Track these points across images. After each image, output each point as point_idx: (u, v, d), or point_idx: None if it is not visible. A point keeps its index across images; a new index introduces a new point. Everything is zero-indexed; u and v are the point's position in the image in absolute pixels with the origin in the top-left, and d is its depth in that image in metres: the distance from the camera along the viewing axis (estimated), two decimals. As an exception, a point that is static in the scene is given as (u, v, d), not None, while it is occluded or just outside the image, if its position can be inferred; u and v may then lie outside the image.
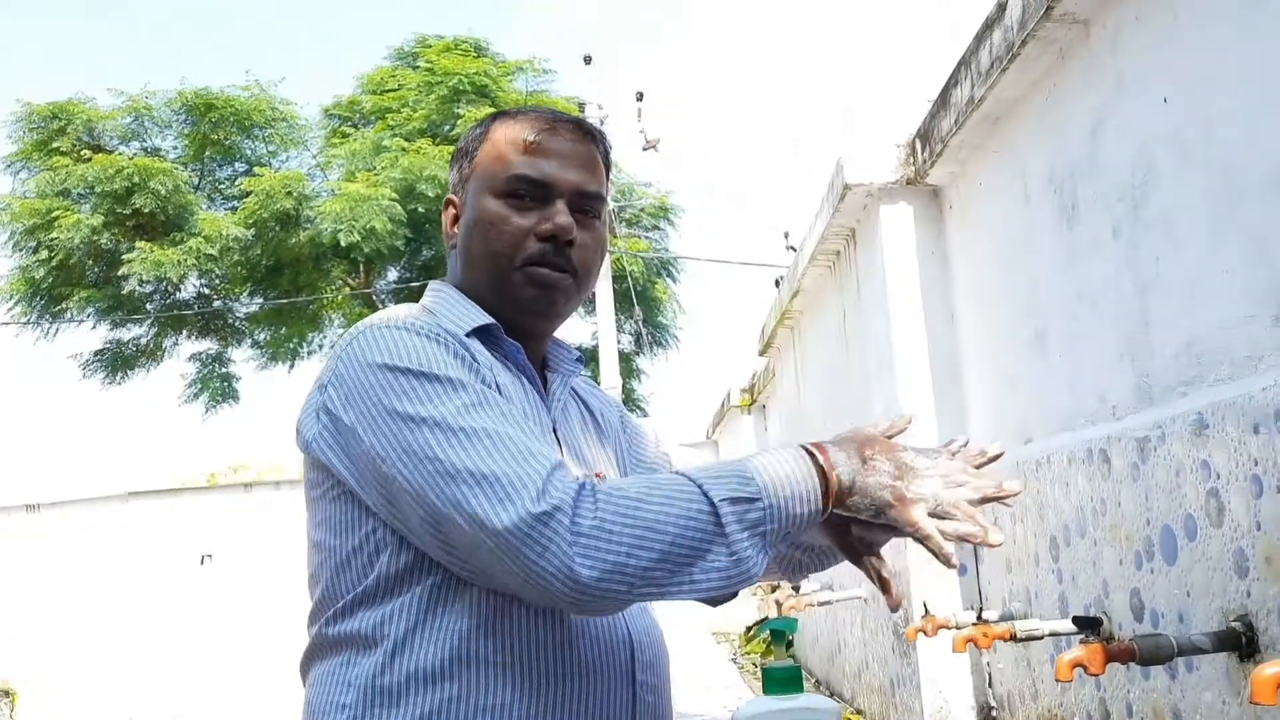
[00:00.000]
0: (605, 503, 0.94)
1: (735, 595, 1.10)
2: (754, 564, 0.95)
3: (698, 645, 6.91)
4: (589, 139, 1.23)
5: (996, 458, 1.05)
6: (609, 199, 1.33)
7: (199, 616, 11.38)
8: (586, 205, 1.20)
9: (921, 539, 0.96)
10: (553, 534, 0.91)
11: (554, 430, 1.20)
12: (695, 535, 0.94)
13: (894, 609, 1.01)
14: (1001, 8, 2.61)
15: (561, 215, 1.16)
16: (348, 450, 1.04)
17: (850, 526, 1.05)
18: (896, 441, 1.02)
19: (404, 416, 1.00)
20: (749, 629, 8.21)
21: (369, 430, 1.02)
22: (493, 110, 1.32)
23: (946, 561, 0.96)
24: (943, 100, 3.13)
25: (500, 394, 1.08)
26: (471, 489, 0.94)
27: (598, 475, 1.24)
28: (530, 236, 1.16)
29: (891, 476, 0.98)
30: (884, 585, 1.02)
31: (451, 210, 1.24)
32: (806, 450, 0.99)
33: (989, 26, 2.71)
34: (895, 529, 0.99)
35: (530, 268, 1.16)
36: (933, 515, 0.96)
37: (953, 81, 3.04)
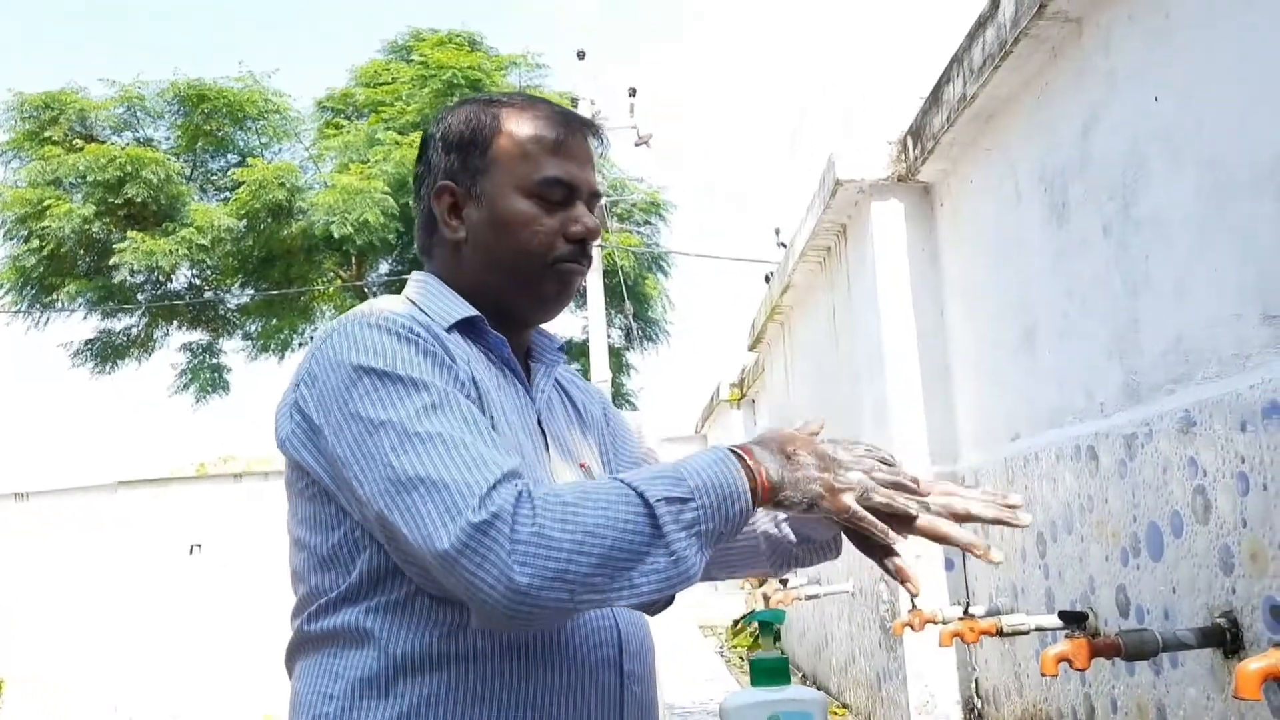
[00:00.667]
0: (543, 510, 0.94)
1: (671, 603, 1.11)
2: (693, 564, 0.96)
3: (684, 638, 6.93)
4: (595, 138, 1.27)
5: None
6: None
7: (188, 606, 11.36)
8: (594, 203, 1.24)
9: (856, 524, 1.00)
10: (491, 543, 0.92)
11: (539, 422, 1.21)
12: (634, 537, 0.94)
13: (914, 594, 1.03)
14: (995, 5, 2.62)
15: (589, 218, 1.20)
16: (320, 450, 1.06)
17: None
18: (814, 438, 1.04)
19: (364, 419, 1.01)
20: (735, 622, 8.23)
21: (334, 432, 1.03)
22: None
23: (889, 543, 1.00)
24: (935, 97, 3.14)
25: (478, 390, 1.08)
26: (420, 498, 0.95)
27: (582, 466, 1.24)
28: (559, 236, 1.18)
29: (818, 469, 1.00)
30: (900, 575, 1.04)
31: (448, 198, 1.23)
32: (732, 451, 1.01)
33: (982, 24, 2.72)
34: (831, 520, 1.02)
35: (560, 265, 1.19)
36: (862, 502, 0.99)
37: (945, 79, 3.04)
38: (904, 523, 1.01)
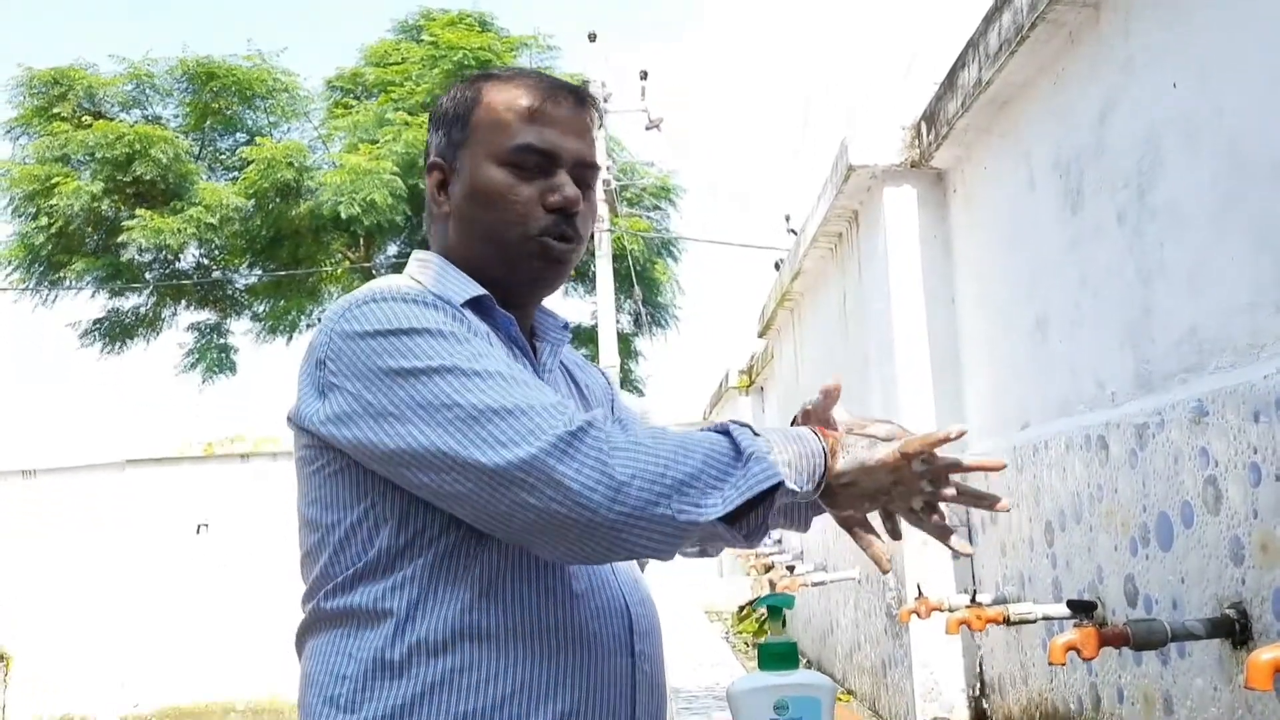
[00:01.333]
0: (631, 430, 0.98)
1: (749, 540, 1.13)
2: (772, 472, 0.97)
3: (690, 623, 6.95)
4: (587, 107, 1.21)
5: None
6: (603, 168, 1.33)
7: (194, 585, 11.42)
8: (585, 175, 1.19)
9: (916, 524, 1.07)
10: (589, 446, 0.93)
11: None
12: (720, 453, 0.97)
13: (885, 572, 1.07)
14: (1012, -11, 2.59)
15: (569, 187, 1.16)
16: (356, 421, 1.01)
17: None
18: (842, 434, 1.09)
19: (413, 372, 0.99)
20: (741, 608, 8.24)
21: (379, 393, 1.00)
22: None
23: (954, 545, 1.09)
24: (949, 83, 3.12)
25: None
26: (498, 425, 0.95)
27: None
28: (538, 206, 1.15)
29: (888, 468, 1.04)
30: (877, 559, 1.08)
31: (438, 175, 1.21)
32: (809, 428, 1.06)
33: (998, 8, 2.69)
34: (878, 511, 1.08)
35: (542, 238, 1.15)
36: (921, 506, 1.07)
37: (960, 64, 3.02)
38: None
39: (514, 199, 1.14)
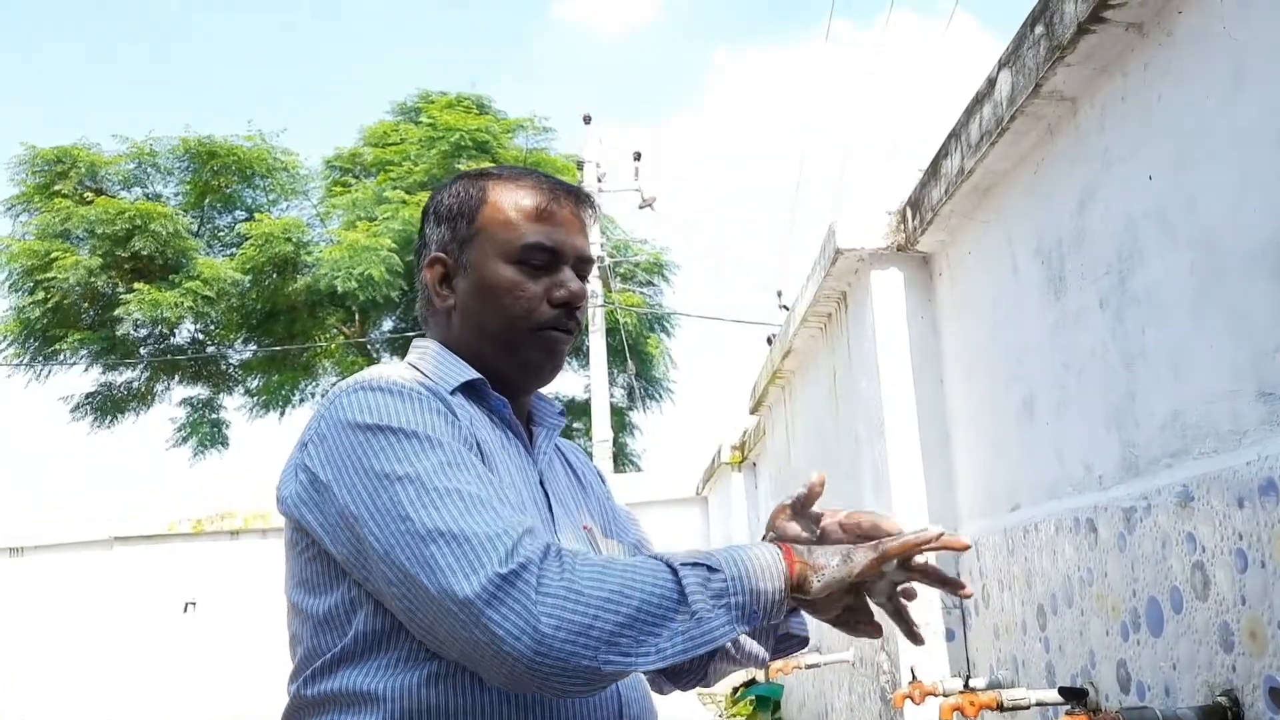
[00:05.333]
0: (571, 566, 0.95)
1: (705, 679, 1.13)
2: (718, 626, 0.97)
3: (683, 706, 6.83)
4: (583, 205, 1.27)
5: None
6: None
7: (181, 665, 11.22)
8: (584, 270, 1.25)
9: (864, 621, 1.09)
10: (519, 594, 0.92)
11: (540, 483, 1.22)
12: (661, 600, 0.96)
13: (877, 636, 1.11)
14: (991, 83, 2.67)
15: (574, 282, 1.22)
16: (322, 508, 1.05)
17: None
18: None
19: (380, 474, 1.01)
20: (735, 690, 8.11)
21: (344, 488, 1.03)
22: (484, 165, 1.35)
23: (913, 632, 1.10)
24: (933, 170, 3.19)
25: (481, 452, 1.10)
26: (441, 550, 0.95)
27: (585, 528, 1.25)
28: (544, 302, 1.20)
29: (843, 557, 1.04)
30: (868, 634, 1.11)
31: (440, 269, 1.26)
32: (766, 541, 1.08)
33: (979, 101, 2.78)
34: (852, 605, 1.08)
35: (544, 331, 1.20)
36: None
37: (943, 153, 3.10)
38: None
39: (521, 294, 1.20)
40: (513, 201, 1.22)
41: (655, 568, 0.98)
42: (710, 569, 0.98)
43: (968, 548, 1.06)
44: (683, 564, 0.98)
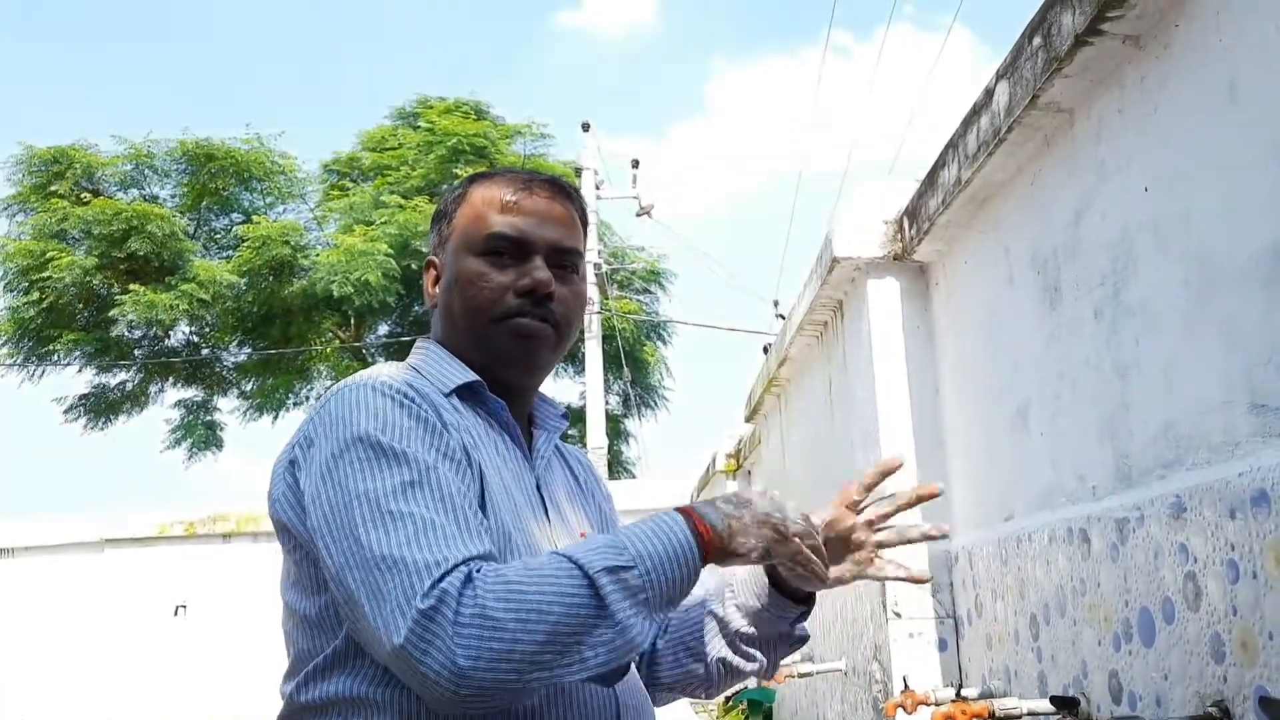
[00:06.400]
0: (484, 590, 0.93)
1: (625, 674, 1.14)
2: (639, 633, 0.97)
3: (675, 713, 6.82)
4: (564, 197, 1.26)
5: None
6: (587, 254, 1.37)
7: (172, 668, 11.17)
8: (564, 260, 1.23)
9: (804, 564, 1.09)
10: (438, 629, 0.91)
11: (538, 487, 1.22)
12: (578, 612, 0.94)
13: (923, 580, 1.25)
14: (989, 94, 2.69)
15: (539, 270, 1.20)
16: (300, 514, 1.07)
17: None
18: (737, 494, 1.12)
19: (342, 489, 1.02)
20: (727, 699, 8.09)
21: (312, 499, 1.04)
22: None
23: (823, 581, 1.13)
24: (930, 180, 3.21)
25: (469, 458, 1.09)
26: (383, 578, 0.95)
27: (582, 536, 1.25)
28: (509, 292, 1.19)
29: (758, 522, 1.06)
30: (910, 577, 1.22)
31: (433, 272, 1.27)
32: (678, 510, 1.05)
33: (976, 112, 2.79)
34: (782, 564, 1.11)
35: (509, 320, 1.19)
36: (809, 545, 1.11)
37: (940, 163, 3.11)
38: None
39: (485, 285, 1.19)
40: (484, 196, 1.23)
41: (570, 574, 0.96)
42: (624, 568, 0.98)
43: (938, 492, 1.23)
44: (597, 569, 0.97)
